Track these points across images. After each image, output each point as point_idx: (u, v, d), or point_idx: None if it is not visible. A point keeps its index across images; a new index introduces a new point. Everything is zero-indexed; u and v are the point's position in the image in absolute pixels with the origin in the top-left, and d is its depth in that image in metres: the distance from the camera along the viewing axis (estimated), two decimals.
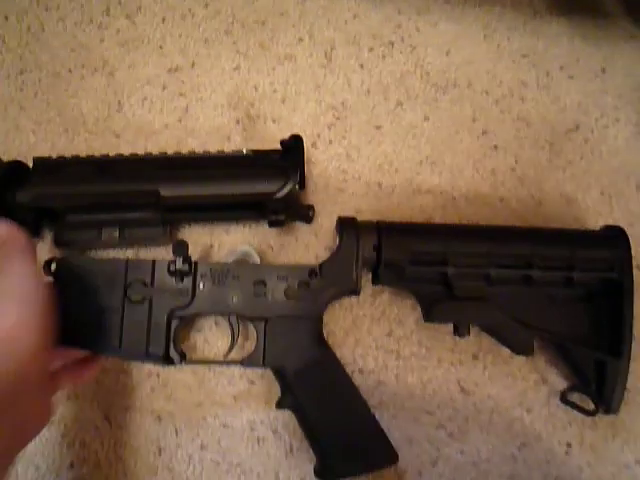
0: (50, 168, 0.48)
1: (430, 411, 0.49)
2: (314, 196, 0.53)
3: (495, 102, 0.56)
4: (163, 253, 0.50)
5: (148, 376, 0.49)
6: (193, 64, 0.55)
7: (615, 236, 0.48)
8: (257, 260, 0.47)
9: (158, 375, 0.49)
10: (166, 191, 0.46)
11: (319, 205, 0.52)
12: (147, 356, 0.43)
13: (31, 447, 0.47)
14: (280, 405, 0.45)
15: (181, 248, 0.43)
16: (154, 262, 0.44)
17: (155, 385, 0.48)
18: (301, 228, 0.52)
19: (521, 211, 0.54)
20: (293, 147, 0.48)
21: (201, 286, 0.44)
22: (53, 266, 0.44)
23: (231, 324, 0.47)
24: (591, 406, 0.48)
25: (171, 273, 0.44)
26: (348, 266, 0.46)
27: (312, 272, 0.45)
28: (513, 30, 0.58)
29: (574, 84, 0.57)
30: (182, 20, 0.56)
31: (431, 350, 0.50)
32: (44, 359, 0.36)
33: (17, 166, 0.48)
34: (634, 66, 0.58)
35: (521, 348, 0.47)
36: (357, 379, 0.49)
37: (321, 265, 0.46)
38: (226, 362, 0.47)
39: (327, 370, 0.45)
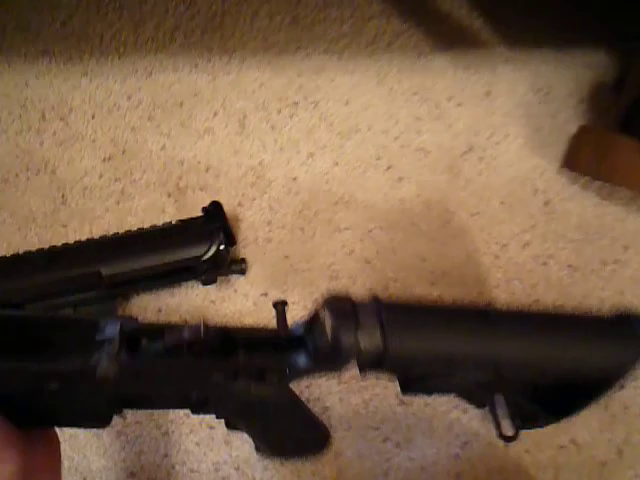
0: (4, 265, 0.54)
1: (375, 426, 0.54)
2: (246, 249, 0.59)
3: (394, 139, 0.63)
4: None
5: (117, 436, 0.54)
6: (124, 151, 0.62)
7: (627, 332, 0.40)
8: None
9: (127, 435, 0.54)
10: (107, 270, 0.52)
11: (251, 257, 0.59)
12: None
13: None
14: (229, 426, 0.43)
15: None
16: None
17: (124, 443, 0.54)
18: (238, 280, 0.58)
19: (431, 232, 0.60)
20: (213, 212, 0.54)
21: None
22: None
23: None
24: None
25: None
26: (343, 358, 0.38)
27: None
28: (402, 72, 0.66)
29: (463, 110, 0.64)
30: (109, 114, 0.64)
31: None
32: None
33: None
34: (514, 85, 0.65)
35: (477, 404, 0.46)
36: None
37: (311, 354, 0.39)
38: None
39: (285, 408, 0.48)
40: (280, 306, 0.41)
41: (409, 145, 0.63)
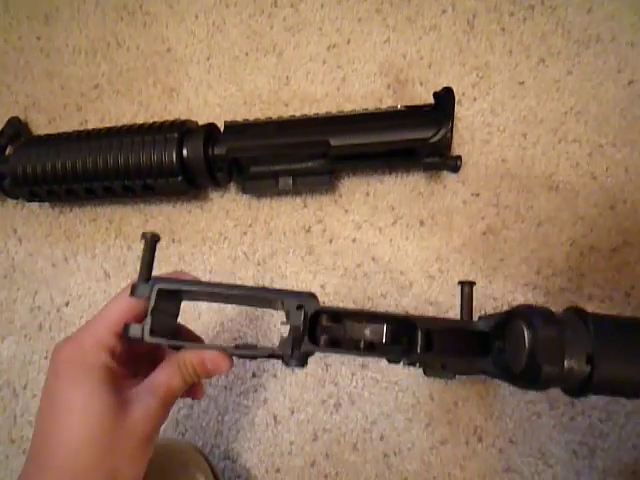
0: (237, 128, 0.58)
1: None
2: (460, 148, 0.58)
3: None
4: (327, 201, 0.58)
5: None
6: (348, 41, 0.63)
7: None
8: None
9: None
10: (336, 141, 0.53)
11: (465, 156, 0.57)
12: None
13: None
14: None
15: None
16: None
17: None
18: (448, 177, 0.57)
19: None
20: (445, 98, 0.53)
21: None
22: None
23: None
24: None
25: None
26: (539, 385, 0.34)
27: None
28: None
29: None
30: (338, 4, 0.65)
31: None
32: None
33: (212, 128, 0.58)
34: None
35: None
36: None
37: None
38: None
39: None
40: (467, 287, 0.37)
41: None
